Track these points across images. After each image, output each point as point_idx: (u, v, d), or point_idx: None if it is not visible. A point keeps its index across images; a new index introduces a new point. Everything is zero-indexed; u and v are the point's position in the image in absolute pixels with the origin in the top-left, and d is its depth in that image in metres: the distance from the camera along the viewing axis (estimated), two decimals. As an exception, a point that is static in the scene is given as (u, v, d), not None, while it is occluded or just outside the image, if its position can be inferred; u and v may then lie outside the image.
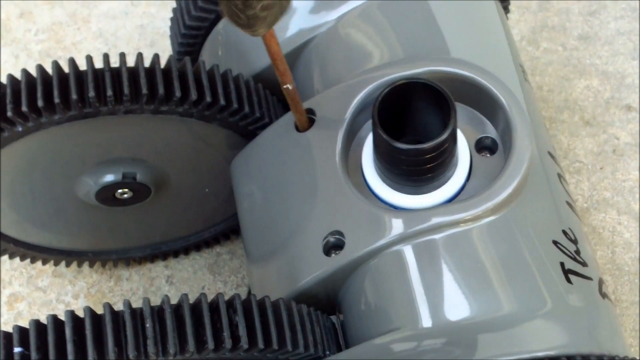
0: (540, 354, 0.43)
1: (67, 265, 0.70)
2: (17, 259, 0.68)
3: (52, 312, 0.69)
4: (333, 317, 0.53)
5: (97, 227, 0.67)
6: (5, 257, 0.69)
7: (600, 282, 0.50)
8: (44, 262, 0.69)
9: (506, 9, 0.65)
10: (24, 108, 0.51)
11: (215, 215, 0.69)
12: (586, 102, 0.77)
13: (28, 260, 0.69)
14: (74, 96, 0.51)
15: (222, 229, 0.70)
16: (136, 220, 0.66)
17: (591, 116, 0.76)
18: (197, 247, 0.72)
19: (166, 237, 0.70)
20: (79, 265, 0.71)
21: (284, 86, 0.49)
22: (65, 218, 0.65)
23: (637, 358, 0.46)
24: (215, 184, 0.63)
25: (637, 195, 0.72)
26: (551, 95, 0.77)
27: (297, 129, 0.53)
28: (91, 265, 0.71)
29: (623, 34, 0.80)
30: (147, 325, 0.44)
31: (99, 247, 0.70)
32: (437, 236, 0.47)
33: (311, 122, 0.53)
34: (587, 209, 0.72)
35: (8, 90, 0.52)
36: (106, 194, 0.60)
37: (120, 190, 0.60)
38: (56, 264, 0.70)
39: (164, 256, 0.72)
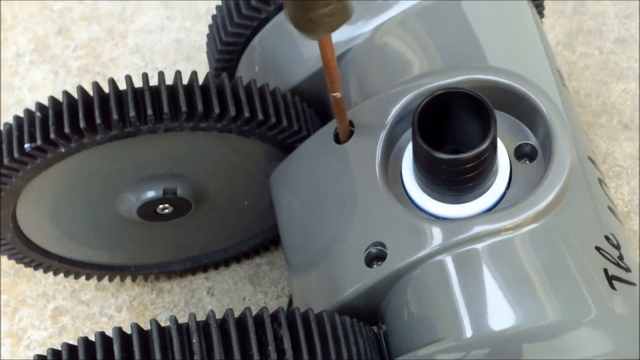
0: (585, 363, 0.43)
1: (110, 279, 0.71)
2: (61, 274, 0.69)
3: (95, 325, 0.71)
4: (375, 328, 0.54)
5: (139, 242, 0.68)
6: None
7: (645, 288, 0.49)
8: (88, 278, 0.70)
9: (541, 14, 0.64)
10: (67, 130, 0.52)
11: (254, 227, 0.69)
12: (624, 105, 0.76)
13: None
14: (114, 116, 0.52)
15: (262, 241, 0.71)
16: (177, 234, 0.67)
17: (630, 119, 0.75)
18: (237, 258, 0.72)
19: (206, 249, 0.71)
20: (122, 279, 0.72)
21: (333, 94, 0.49)
22: (108, 234, 0.66)
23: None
24: (254, 197, 0.64)
25: (679, 198, 0.71)
26: (588, 99, 0.77)
27: (336, 141, 0.54)
28: (133, 279, 0.72)
29: (660, 36, 0.79)
30: (194, 340, 0.44)
31: (141, 262, 0.71)
32: (479, 245, 0.47)
33: (350, 133, 0.53)
34: (628, 213, 0.71)
35: (50, 113, 0.53)
36: (147, 210, 0.61)
37: (161, 206, 0.61)
38: (99, 279, 0.71)
39: (205, 268, 0.73)
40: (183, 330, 0.45)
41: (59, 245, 0.65)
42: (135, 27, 0.86)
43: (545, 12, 0.74)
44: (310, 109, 0.60)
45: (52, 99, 0.53)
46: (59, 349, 0.45)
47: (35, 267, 0.66)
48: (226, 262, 0.73)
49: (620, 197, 0.72)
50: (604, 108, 0.76)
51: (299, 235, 0.56)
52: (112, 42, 0.86)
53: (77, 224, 0.63)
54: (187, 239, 0.69)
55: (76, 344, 0.44)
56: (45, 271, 0.67)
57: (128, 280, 0.73)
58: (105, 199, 0.61)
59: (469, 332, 0.46)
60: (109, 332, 0.45)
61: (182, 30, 0.86)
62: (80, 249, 0.67)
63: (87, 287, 0.74)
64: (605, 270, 0.47)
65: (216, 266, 0.73)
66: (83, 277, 0.71)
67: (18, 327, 0.72)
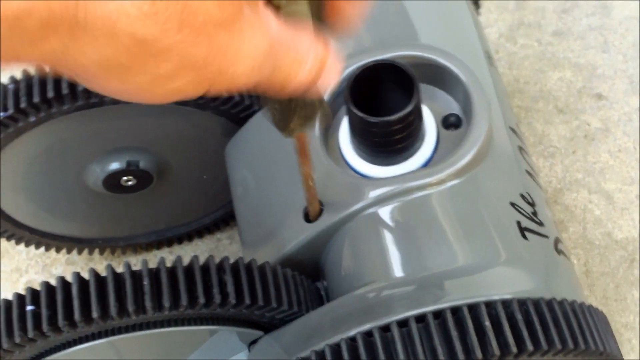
0: (495, 298, 0.47)
1: (79, 252, 0.75)
2: (33, 248, 0.73)
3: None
4: (319, 284, 0.58)
5: (106, 215, 0.72)
6: (21, 247, 0.74)
7: (557, 241, 0.54)
8: (58, 250, 0.74)
9: (477, 4, 0.70)
10: (36, 99, 0.56)
11: (214, 201, 0.74)
12: (560, 92, 0.81)
13: (43, 250, 0.74)
14: (80, 87, 0.57)
15: (221, 215, 0.75)
16: (142, 208, 0.72)
17: (564, 105, 0.81)
18: (199, 233, 0.77)
19: (170, 224, 0.75)
20: (90, 252, 0.76)
21: (308, 182, 0.52)
22: (77, 207, 0.70)
23: (584, 302, 0.51)
24: (212, 171, 0.68)
25: (607, 176, 0.76)
26: (527, 86, 0.82)
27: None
28: (101, 253, 0.76)
29: (594, 29, 0.85)
30: (145, 283, 0.49)
31: (108, 235, 0.75)
32: (405, 199, 0.52)
33: (294, 106, 0.58)
34: (561, 190, 0.76)
35: (22, 84, 0.57)
36: (112, 181, 0.65)
37: (125, 178, 0.65)
38: (69, 251, 0.75)
39: (169, 242, 0.77)
40: (136, 275, 0.49)
41: (30, 216, 0.69)
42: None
43: (490, 7, 0.80)
44: (262, 87, 0.64)
45: (25, 72, 0.57)
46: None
47: (8, 238, 0.70)
48: (189, 237, 0.77)
49: (554, 175, 0.77)
50: (541, 94, 0.81)
51: (251, 206, 0.60)
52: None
53: (48, 195, 0.67)
54: (152, 212, 0.73)
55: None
56: (18, 242, 0.71)
57: (96, 255, 0.77)
58: (74, 170, 0.65)
59: (397, 273, 0.50)
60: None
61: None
62: (50, 221, 0.71)
63: (57, 262, 0.78)
64: (519, 223, 0.52)
65: (180, 240, 0.77)
66: (54, 253, 0.74)
67: (-8, 300, 0.76)
